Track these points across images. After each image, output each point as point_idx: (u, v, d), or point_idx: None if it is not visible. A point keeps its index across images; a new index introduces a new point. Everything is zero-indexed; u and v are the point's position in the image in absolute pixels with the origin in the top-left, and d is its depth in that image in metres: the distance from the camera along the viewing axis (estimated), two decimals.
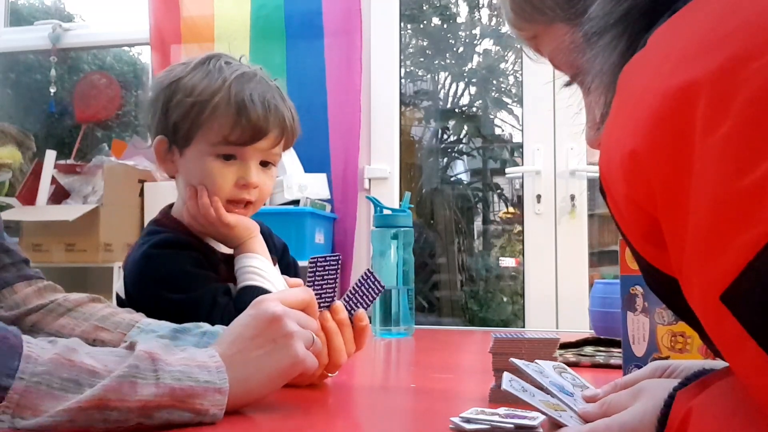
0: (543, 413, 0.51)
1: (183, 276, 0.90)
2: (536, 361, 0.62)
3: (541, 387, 0.55)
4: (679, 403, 0.42)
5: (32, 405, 0.51)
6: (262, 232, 1.10)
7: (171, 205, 1.02)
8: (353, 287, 0.80)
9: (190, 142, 0.93)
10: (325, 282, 0.76)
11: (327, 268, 0.77)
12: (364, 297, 0.80)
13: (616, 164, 0.41)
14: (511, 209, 3.58)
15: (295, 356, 0.63)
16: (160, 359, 0.57)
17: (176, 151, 0.96)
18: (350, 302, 0.79)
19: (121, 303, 0.94)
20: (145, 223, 2.59)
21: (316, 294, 0.74)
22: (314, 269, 0.76)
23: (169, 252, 0.92)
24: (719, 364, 0.53)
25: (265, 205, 2.40)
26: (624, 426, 0.46)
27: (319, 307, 0.74)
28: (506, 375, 0.54)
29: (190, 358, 0.59)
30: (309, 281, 0.76)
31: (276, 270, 1.01)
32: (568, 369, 0.63)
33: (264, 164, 0.96)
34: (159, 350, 0.58)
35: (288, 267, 1.11)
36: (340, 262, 0.78)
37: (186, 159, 0.95)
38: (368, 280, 0.80)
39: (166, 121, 0.95)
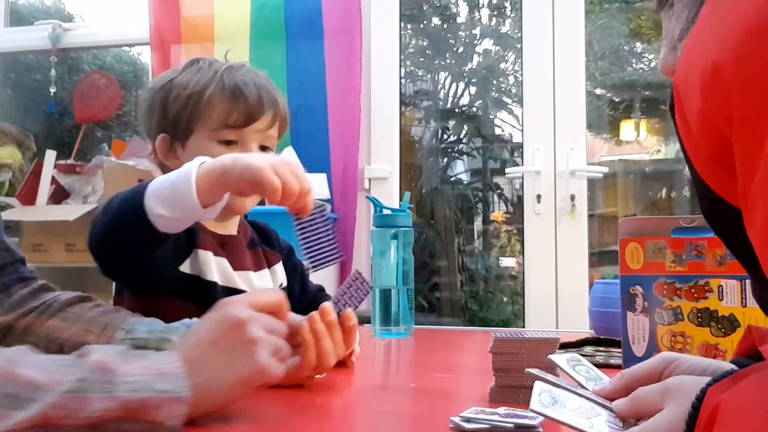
0: (577, 428, 0.50)
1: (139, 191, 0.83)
2: (549, 356, 0.62)
3: (570, 388, 0.55)
4: (708, 399, 0.41)
5: None
6: (268, 233, 1.11)
7: None
8: (342, 288, 0.81)
9: (190, 132, 0.97)
10: (318, 238, 0.79)
11: (316, 224, 0.79)
12: (353, 298, 0.81)
13: (694, 77, 0.38)
14: (502, 213, 3.58)
15: (257, 365, 0.60)
16: (113, 370, 0.54)
17: (178, 146, 0.99)
18: (339, 303, 0.80)
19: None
20: None
21: (314, 253, 0.75)
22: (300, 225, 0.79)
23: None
24: (725, 364, 0.54)
25: (264, 205, 2.40)
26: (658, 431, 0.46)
27: (326, 263, 0.77)
28: (536, 388, 0.53)
29: (148, 365, 0.56)
30: (301, 241, 0.78)
31: (266, 274, 1.04)
32: (583, 360, 0.63)
33: (263, 149, 0.99)
34: (113, 359, 0.55)
35: (294, 269, 1.12)
36: (325, 213, 0.80)
37: (188, 151, 0.97)
38: (357, 281, 0.81)
39: (165, 117, 0.98)
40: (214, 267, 0.94)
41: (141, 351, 0.60)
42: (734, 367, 0.50)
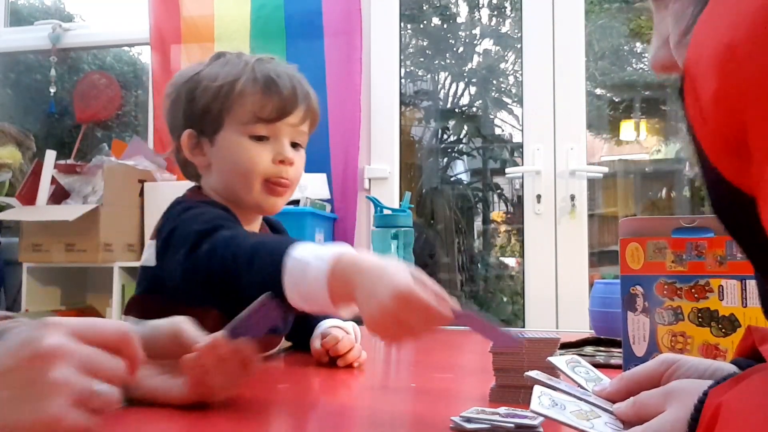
0: (574, 428, 0.50)
1: (213, 213, 0.85)
2: (548, 359, 0.61)
3: (569, 391, 0.55)
4: (710, 401, 0.41)
5: None
6: (279, 231, 1.09)
7: (198, 187, 0.99)
8: (246, 312, 0.64)
9: (220, 126, 0.92)
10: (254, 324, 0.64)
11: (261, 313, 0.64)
12: (257, 326, 0.65)
13: (707, 58, 0.37)
14: (501, 213, 3.58)
15: (45, 414, 0.46)
16: None
17: (205, 142, 0.94)
18: (238, 330, 0.63)
19: (144, 274, 0.92)
20: (146, 223, 2.57)
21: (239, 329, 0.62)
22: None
23: (205, 203, 0.90)
24: (725, 365, 0.54)
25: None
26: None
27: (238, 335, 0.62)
28: (535, 390, 0.53)
29: None
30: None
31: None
32: (582, 362, 0.63)
33: (294, 146, 0.95)
34: None
35: None
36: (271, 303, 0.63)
37: (218, 146, 0.93)
38: (265, 307, 0.64)
39: (192, 111, 0.93)
40: None
41: None
42: (735, 369, 0.50)
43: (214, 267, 0.75)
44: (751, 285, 0.80)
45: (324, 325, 0.97)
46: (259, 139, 0.92)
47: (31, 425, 0.46)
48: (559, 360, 0.61)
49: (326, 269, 0.65)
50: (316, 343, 0.95)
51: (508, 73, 3.51)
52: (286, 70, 0.95)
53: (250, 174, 0.92)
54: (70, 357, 0.48)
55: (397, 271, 0.62)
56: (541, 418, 0.55)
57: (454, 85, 3.55)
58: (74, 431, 0.47)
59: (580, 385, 0.57)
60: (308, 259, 0.67)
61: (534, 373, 0.56)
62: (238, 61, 0.94)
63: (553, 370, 0.61)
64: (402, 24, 2.78)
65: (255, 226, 1.00)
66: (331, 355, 0.92)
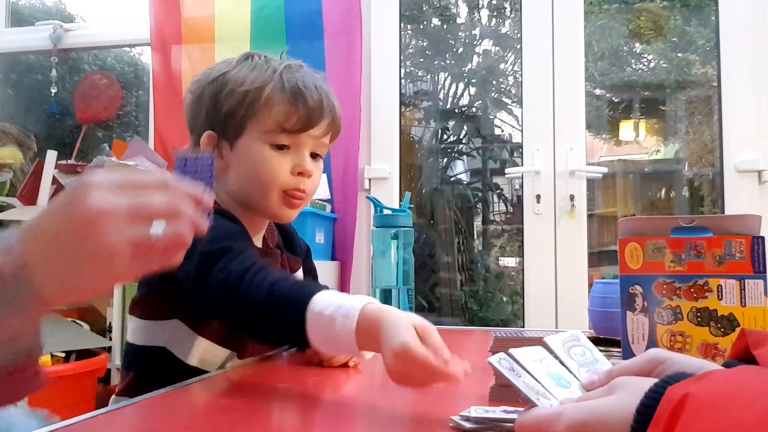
0: (524, 394, 0.50)
1: (222, 230, 0.83)
2: (545, 338, 0.61)
3: (532, 375, 0.55)
4: (671, 394, 0.41)
5: None
6: (292, 237, 1.09)
7: None
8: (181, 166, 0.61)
9: (242, 132, 0.92)
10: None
11: (198, 170, 0.61)
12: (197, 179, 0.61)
13: None
14: (501, 213, 3.59)
15: (109, 280, 0.48)
16: None
17: (225, 145, 0.94)
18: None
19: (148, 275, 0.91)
20: None
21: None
22: (183, 170, 0.61)
23: (215, 216, 0.89)
24: (714, 366, 0.54)
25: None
26: (594, 411, 0.45)
27: None
28: (500, 353, 0.54)
29: None
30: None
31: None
32: (581, 340, 0.62)
33: (313, 156, 0.95)
34: None
35: (310, 271, 1.10)
36: (214, 164, 0.62)
37: (238, 151, 0.93)
38: (194, 162, 0.61)
39: (216, 113, 0.93)
40: None
41: None
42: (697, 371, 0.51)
43: (228, 304, 0.77)
44: (750, 285, 0.81)
45: None
46: (280, 147, 0.91)
47: (93, 287, 0.47)
48: (556, 339, 0.61)
49: (353, 327, 0.68)
50: None
51: (507, 73, 3.51)
52: (314, 80, 0.94)
53: (270, 184, 0.92)
54: (117, 212, 0.46)
55: (403, 327, 0.65)
56: None
57: (453, 86, 3.55)
58: (141, 275, 0.48)
59: (571, 371, 0.57)
60: (333, 314, 0.70)
61: (495, 360, 0.55)
62: (266, 66, 0.94)
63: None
64: (402, 24, 2.78)
65: (262, 229, 1.00)
66: (316, 361, 0.92)
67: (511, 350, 0.56)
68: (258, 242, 0.99)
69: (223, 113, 0.92)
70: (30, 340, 0.45)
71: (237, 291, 0.76)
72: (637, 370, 0.54)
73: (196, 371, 0.86)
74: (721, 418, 0.37)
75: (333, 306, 0.71)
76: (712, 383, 0.41)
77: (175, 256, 0.50)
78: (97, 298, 0.47)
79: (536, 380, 0.53)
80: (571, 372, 0.57)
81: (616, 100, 3.41)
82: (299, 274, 1.05)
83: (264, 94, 0.90)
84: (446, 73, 3.55)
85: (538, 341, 0.70)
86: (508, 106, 3.46)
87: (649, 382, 0.44)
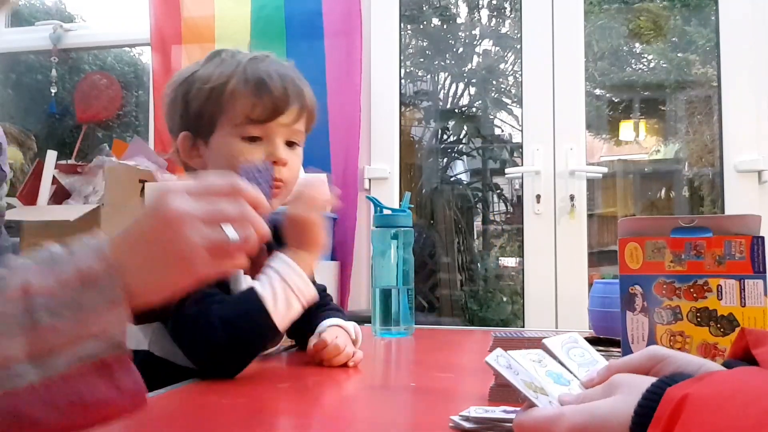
0: (522, 393, 0.50)
1: None
2: (544, 341, 0.61)
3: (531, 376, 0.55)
4: (670, 395, 0.41)
5: None
6: (278, 227, 1.09)
7: None
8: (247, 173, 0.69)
9: (213, 128, 0.93)
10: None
11: (259, 179, 0.68)
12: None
13: None
14: (501, 213, 3.59)
15: (182, 264, 0.52)
16: (34, 293, 0.47)
17: (201, 143, 0.95)
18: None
19: None
20: None
21: None
22: (247, 178, 0.65)
23: None
24: (716, 366, 0.54)
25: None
26: (594, 413, 0.45)
27: None
28: (498, 350, 0.53)
29: (74, 271, 0.49)
30: None
31: None
32: (579, 342, 0.63)
33: (289, 144, 0.95)
34: (36, 278, 0.48)
35: None
36: (272, 173, 0.72)
37: (212, 148, 0.94)
38: (256, 172, 0.68)
39: (188, 113, 0.94)
40: (243, 285, 0.91)
41: (70, 244, 0.52)
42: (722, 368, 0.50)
43: (199, 343, 0.83)
44: (750, 285, 0.81)
45: (324, 325, 0.98)
46: (252, 140, 0.92)
47: (175, 283, 0.52)
48: (555, 341, 0.61)
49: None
50: (311, 342, 0.96)
51: (507, 73, 3.51)
52: (279, 68, 0.94)
53: None
54: (196, 216, 0.52)
55: None
56: None
57: (453, 86, 3.55)
58: (218, 274, 0.53)
59: (570, 371, 0.57)
60: (277, 286, 0.85)
61: (492, 358, 0.55)
62: (232, 61, 0.94)
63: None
64: (402, 24, 2.78)
65: None
66: (316, 360, 0.93)
67: (510, 352, 0.56)
68: None
69: (193, 112, 0.93)
70: (117, 335, 0.50)
71: (199, 339, 0.83)
72: (636, 366, 0.54)
73: (187, 371, 0.86)
74: (720, 419, 0.37)
75: (271, 282, 0.85)
76: (712, 384, 0.41)
77: (242, 258, 0.55)
78: (176, 295, 0.52)
79: (535, 378, 0.53)
80: (570, 371, 0.57)
81: (616, 100, 3.41)
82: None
83: (228, 88, 0.91)
84: (446, 73, 3.55)
85: (538, 341, 0.70)
86: (508, 106, 3.46)
87: (647, 382, 0.44)
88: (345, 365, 0.93)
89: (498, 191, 3.57)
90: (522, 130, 2.53)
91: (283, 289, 0.84)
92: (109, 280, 0.49)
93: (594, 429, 0.44)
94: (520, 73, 2.61)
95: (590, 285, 1.42)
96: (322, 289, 1.13)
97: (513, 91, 3.41)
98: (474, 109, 3.57)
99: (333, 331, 0.96)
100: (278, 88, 0.91)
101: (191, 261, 0.51)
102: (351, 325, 1.00)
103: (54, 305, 0.47)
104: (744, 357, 0.52)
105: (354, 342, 0.99)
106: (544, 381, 0.54)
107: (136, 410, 0.51)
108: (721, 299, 0.81)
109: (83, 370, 0.48)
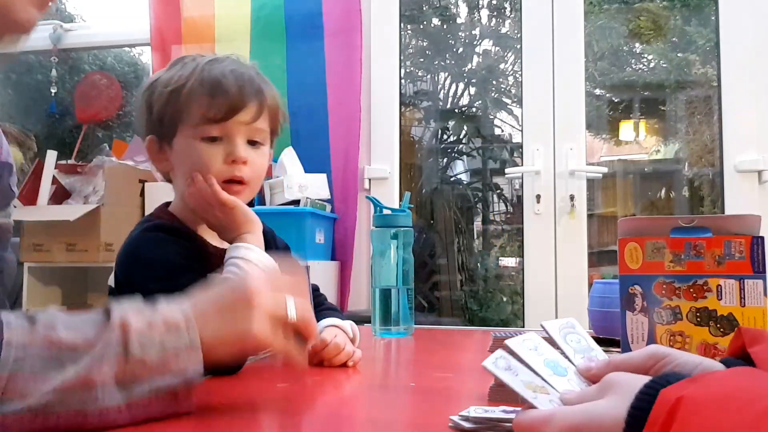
0: (520, 396, 0.50)
1: (167, 265, 0.89)
2: (542, 323, 0.61)
3: (530, 368, 0.55)
4: (665, 397, 0.41)
5: (18, 389, 0.52)
6: (264, 232, 1.09)
7: (168, 203, 1.02)
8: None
9: (175, 130, 0.94)
10: None
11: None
12: None
13: None
14: (501, 213, 3.59)
15: (250, 328, 0.62)
16: (130, 329, 0.57)
17: (166, 146, 0.96)
18: None
19: (111, 293, 0.94)
20: None
21: None
22: None
23: (160, 237, 0.93)
24: (715, 364, 0.54)
25: (265, 205, 2.39)
26: (587, 415, 0.45)
27: None
28: (497, 352, 0.54)
29: (161, 320, 0.59)
30: None
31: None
32: (577, 327, 0.62)
33: (252, 143, 0.96)
34: (131, 317, 0.58)
35: None
36: (309, 272, 0.79)
37: (175, 150, 0.95)
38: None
39: (151, 118, 0.96)
40: None
41: (154, 303, 0.62)
42: (724, 368, 0.50)
43: None
44: (749, 284, 0.81)
45: (321, 325, 0.97)
46: (213, 140, 0.93)
47: (238, 335, 0.63)
48: (553, 325, 0.61)
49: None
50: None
51: (507, 73, 3.51)
52: (237, 68, 0.95)
53: (206, 176, 0.93)
54: (267, 297, 0.64)
55: None
56: None
57: (453, 86, 3.55)
58: (279, 346, 0.64)
59: (567, 356, 0.57)
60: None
61: (490, 362, 0.55)
62: (191, 64, 0.95)
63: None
64: (402, 24, 2.78)
65: None
66: (315, 361, 0.92)
67: (507, 341, 0.56)
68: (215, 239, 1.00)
69: (156, 116, 0.95)
70: (191, 374, 0.59)
71: None
72: (636, 364, 0.54)
73: None
74: (716, 422, 0.37)
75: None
76: (707, 386, 0.41)
77: (305, 338, 0.67)
78: (243, 355, 0.63)
79: (535, 372, 0.53)
80: (567, 357, 0.57)
81: (616, 100, 3.41)
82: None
83: (185, 90, 0.92)
84: (446, 73, 3.55)
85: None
86: (508, 106, 3.46)
87: (640, 383, 0.44)
88: (345, 365, 0.92)
89: (498, 191, 3.57)
90: (522, 130, 2.54)
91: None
92: (189, 329, 0.60)
93: (586, 430, 0.44)
94: (520, 73, 2.62)
95: (590, 285, 1.42)
96: (314, 288, 1.12)
97: (513, 91, 3.41)
98: (474, 109, 3.58)
99: (331, 331, 0.96)
100: (233, 87, 0.92)
101: (254, 318, 0.62)
102: (348, 324, 1.00)
103: (144, 342, 0.57)
104: (742, 356, 0.53)
105: (352, 341, 0.99)
106: (545, 373, 0.54)
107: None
108: (720, 299, 0.81)
109: (159, 397, 0.58)
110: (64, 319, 0.57)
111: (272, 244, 1.07)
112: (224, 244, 0.97)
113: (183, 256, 0.92)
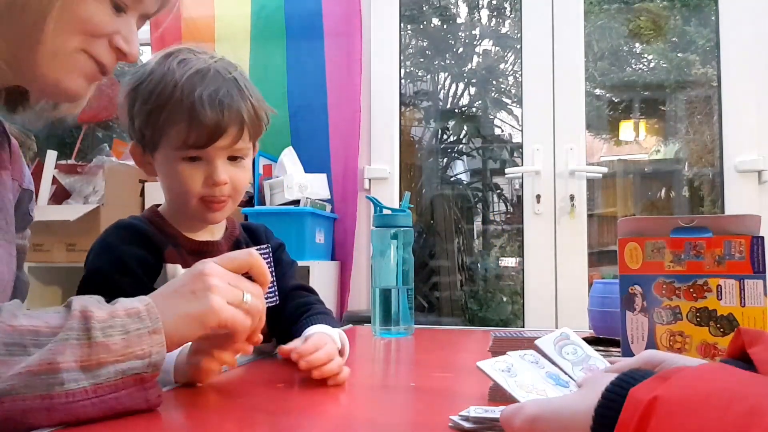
0: (509, 393, 0.50)
1: (98, 276, 0.91)
2: (536, 342, 0.61)
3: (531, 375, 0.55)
4: (637, 395, 0.40)
5: None
6: (258, 234, 1.08)
7: (155, 206, 1.03)
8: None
9: (156, 147, 0.95)
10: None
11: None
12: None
13: None
14: (501, 213, 3.59)
15: (208, 306, 0.65)
16: (91, 316, 0.59)
17: (148, 155, 0.97)
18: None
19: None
20: None
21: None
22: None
23: (111, 242, 0.95)
24: (703, 362, 0.54)
25: (265, 205, 2.39)
26: (550, 406, 0.46)
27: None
28: (499, 358, 0.54)
29: (122, 309, 0.62)
30: None
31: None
32: (571, 338, 0.63)
33: (233, 158, 0.96)
34: (92, 306, 0.61)
35: (280, 261, 1.04)
36: (271, 253, 0.79)
37: (157, 162, 0.96)
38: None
39: (133, 128, 0.97)
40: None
41: (114, 300, 0.65)
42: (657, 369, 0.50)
43: None
44: (749, 285, 0.81)
45: (309, 332, 0.91)
46: (193, 159, 0.93)
47: (202, 314, 0.65)
48: (546, 341, 0.61)
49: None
50: (292, 345, 0.86)
51: (507, 73, 3.51)
52: (217, 89, 0.91)
53: (185, 195, 0.94)
54: (223, 275, 0.68)
55: None
56: None
57: (453, 86, 3.55)
58: (235, 323, 0.67)
59: (564, 370, 0.57)
60: None
61: (485, 363, 0.55)
62: (172, 78, 0.92)
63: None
64: (402, 24, 2.78)
65: (215, 230, 1.02)
66: (302, 368, 0.81)
67: (509, 353, 0.56)
68: (209, 235, 1.01)
69: (137, 129, 0.96)
70: (156, 357, 0.62)
71: None
72: (628, 367, 0.54)
73: None
74: (697, 422, 0.36)
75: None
76: (682, 385, 0.39)
77: (255, 325, 0.71)
78: (198, 329, 0.63)
79: (537, 378, 0.54)
80: (566, 372, 0.57)
81: (616, 100, 3.41)
82: None
83: (164, 114, 0.91)
84: (446, 73, 3.55)
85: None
86: (508, 106, 3.46)
87: (607, 380, 0.43)
88: (325, 381, 0.81)
89: (498, 191, 3.57)
90: (522, 130, 2.54)
91: None
92: (150, 314, 0.62)
93: (547, 420, 0.45)
94: (520, 73, 2.61)
95: (590, 285, 1.42)
96: (297, 287, 1.06)
97: (513, 91, 3.41)
98: (474, 109, 3.57)
99: (318, 339, 0.86)
100: (211, 118, 0.90)
101: (211, 295, 0.66)
102: (337, 334, 0.92)
103: (106, 327, 0.59)
104: (741, 357, 0.52)
105: (341, 352, 0.89)
106: (547, 384, 0.54)
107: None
108: (720, 299, 0.81)
109: (126, 381, 0.59)
110: (25, 311, 0.60)
111: (261, 239, 1.07)
112: (202, 236, 0.99)
113: (124, 265, 0.92)
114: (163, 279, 0.92)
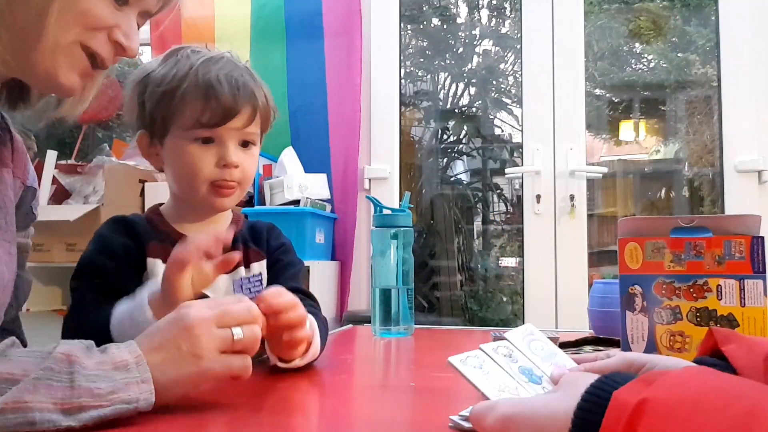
0: (481, 392, 0.50)
1: (87, 261, 0.94)
2: (505, 335, 0.62)
3: (505, 371, 0.55)
4: (623, 398, 0.38)
5: None
6: (260, 233, 1.07)
7: (157, 206, 1.03)
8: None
9: (167, 130, 0.95)
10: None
11: (252, 286, 0.76)
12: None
13: None
14: (501, 213, 3.59)
15: (197, 372, 0.63)
16: (76, 362, 0.58)
17: (157, 143, 0.97)
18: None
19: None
20: None
21: None
22: (240, 287, 0.76)
23: (101, 232, 0.97)
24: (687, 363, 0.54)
25: (265, 205, 2.39)
26: (525, 406, 0.45)
27: None
28: (471, 352, 0.54)
29: (110, 360, 0.60)
30: None
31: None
32: (536, 334, 0.63)
33: (244, 144, 0.96)
34: (78, 352, 0.59)
35: (282, 268, 1.03)
36: (262, 281, 0.78)
37: (167, 149, 0.96)
38: (249, 281, 0.78)
39: (143, 114, 0.96)
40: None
41: (104, 346, 0.63)
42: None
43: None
44: (749, 285, 0.81)
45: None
46: (205, 141, 0.93)
47: (189, 380, 0.63)
48: (515, 334, 0.61)
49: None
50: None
51: (507, 73, 3.51)
52: (231, 72, 0.94)
53: (195, 178, 0.94)
54: (207, 321, 0.64)
55: None
56: None
57: (453, 86, 3.55)
58: (230, 373, 0.65)
59: (535, 364, 0.58)
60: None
61: (456, 359, 0.55)
62: (185, 63, 0.94)
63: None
64: (402, 24, 2.78)
65: (220, 219, 1.01)
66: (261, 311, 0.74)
67: (482, 345, 0.56)
68: (207, 228, 1.00)
69: (148, 114, 0.95)
70: (143, 404, 0.60)
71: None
72: (612, 371, 0.53)
73: None
74: (691, 426, 0.35)
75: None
76: (670, 386, 0.38)
77: (252, 353, 0.67)
78: (193, 390, 0.62)
79: (510, 376, 0.54)
80: (538, 367, 0.58)
81: (616, 100, 3.41)
82: (256, 265, 1.00)
83: (178, 93, 0.92)
84: (446, 73, 3.55)
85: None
86: (508, 106, 3.46)
87: (586, 382, 0.42)
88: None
89: (498, 191, 3.57)
90: (522, 130, 2.54)
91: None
92: (138, 366, 0.60)
93: (521, 421, 0.44)
94: (520, 73, 2.62)
95: (590, 285, 1.42)
96: (296, 290, 0.97)
97: (513, 91, 3.41)
98: (474, 109, 3.57)
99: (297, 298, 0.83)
100: (227, 94, 0.92)
101: (202, 356, 0.63)
102: (312, 321, 0.89)
103: (91, 375, 0.58)
104: (712, 356, 0.53)
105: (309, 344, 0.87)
106: (520, 379, 0.54)
107: None
108: (720, 299, 0.81)
109: (108, 421, 0.57)
110: (11, 352, 0.59)
111: (263, 243, 1.04)
112: (199, 232, 0.97)
113: (112, 258, 0.93)
114: (145, 276, 0.92)
